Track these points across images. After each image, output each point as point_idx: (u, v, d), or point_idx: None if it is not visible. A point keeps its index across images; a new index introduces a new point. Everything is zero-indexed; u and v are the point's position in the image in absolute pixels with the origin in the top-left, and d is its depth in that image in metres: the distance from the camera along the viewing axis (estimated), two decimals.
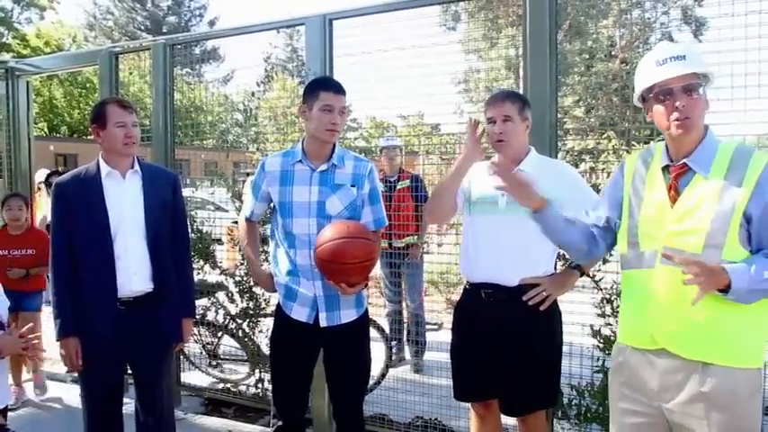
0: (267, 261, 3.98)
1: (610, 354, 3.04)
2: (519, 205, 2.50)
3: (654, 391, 1.93)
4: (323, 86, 2.65)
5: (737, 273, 1.73)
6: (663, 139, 2.03)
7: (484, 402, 2.72)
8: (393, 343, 4.81)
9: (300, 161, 2.69)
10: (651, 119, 1.98)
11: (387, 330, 4.78)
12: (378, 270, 5.88)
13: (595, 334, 3.11)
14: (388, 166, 5.39)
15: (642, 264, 1.95)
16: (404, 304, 5.28)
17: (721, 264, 1.75)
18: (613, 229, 2.15)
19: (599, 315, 3.12)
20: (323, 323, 2.65)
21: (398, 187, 5.23)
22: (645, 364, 1.95)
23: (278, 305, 2.78)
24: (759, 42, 2.58)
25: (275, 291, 2.86)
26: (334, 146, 2.72)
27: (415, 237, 5.18)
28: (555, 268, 2.78)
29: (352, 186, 2.69)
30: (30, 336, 2.44)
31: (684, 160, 1.89)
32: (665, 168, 1.95)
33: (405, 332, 5.30)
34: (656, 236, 1.90)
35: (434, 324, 6.20)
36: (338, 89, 2.65)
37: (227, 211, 5.47)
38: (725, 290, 1.73)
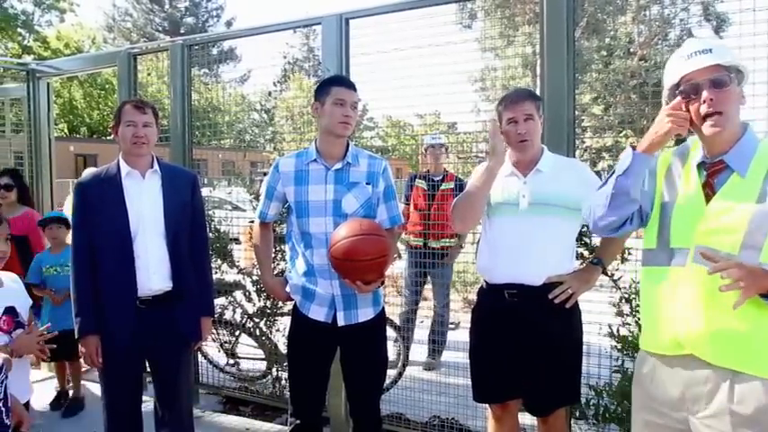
0: (284, 260, 4.00)
1: (628, 354, 3.03)
2: (539, 204, 2.52)
3: (679, 401, 1.83)
4: (335, 82, 2.69)
5: None
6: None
7: (502, 403, 2.70)
8: (400, 344, 4.76)
9: (315, 160, 2.70)
10: None
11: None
12: (396, 269, 5.88)
13: (613, 334, 3.08)
14: (432, 165, 5.28)
15: (670, 261, 1.86)
16: (420, 305, 5.25)
17: (761, 266, 1.66)
18: (639, 217, 2.03)
19: (617, 314, 3.10)
20: (341, 322, 2.65)
21: (442, 188, 5.13)
22: (670, 373, 1.85)
23: (295, 305, 2.79)
24: None
25: (287, 299, 2.88)
26: (348, 145, 2.73)
27: (453, 240, 5.11)
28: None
29: (367, 184, 2.70)
30: (45, 335, 2.48)
31: (721, 157, 1.81)
32: (701, 165, 1.87)
33: (413, 333, 5.24)
34: (689, 234, 1.81)
35: (451, 323, 6.19)
36: (349, 84, 2.70)
37: (244, 210, 5.50)
38: (766, 294, 1.64)
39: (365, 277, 2.53)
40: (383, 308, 2.81)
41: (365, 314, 2.70)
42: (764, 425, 1.67)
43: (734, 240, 1.72)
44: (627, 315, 3.08)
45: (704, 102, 1.77)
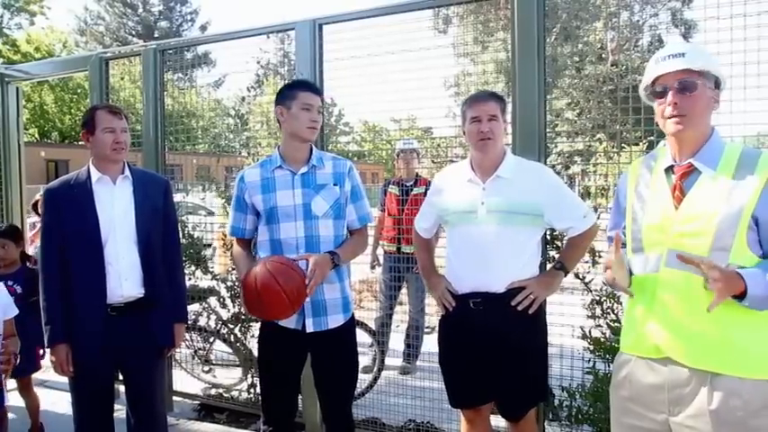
0: None
1: (600, 355, 3.06)
2: (498, 212, 2.50)
3: (660, 402, 1.84)
4: (300, 87, 2.70)
5: (753, 278, 1.66)
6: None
7: (474, 408, 2.71)
8: (375, 348, 4.76)
9: (280, 166, 2.69)
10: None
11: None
12: (372, 274, 5.89)
13: (585, 336, 3.12)
14: (404, 170, 5.26)
15: (646, 268, 1.89)
16: (395, 309, 5.26)
17: (731, 267, 1.69)
18: None
19: (589, 317, 3.13)
20: (309, 329, 2.64)
21: (414, 192, 5.13)
22: (650, 374, 1.87)
23: None
24: (744, 45, 2.61)
25: None
26: (312, 148, 2.74)
27: None
28: (542, 270, 2.78)
29: (334, 185, 2.70)
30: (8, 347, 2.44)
31: (690, 160, 1.83)
32: (669, 169, 1.89)
33: (388, 337, 5.24)
34: (661, 239, 1.84)
35: (427, 327, 6.21)
36: (315, 89, 2.72)
37: (219, 215, 5.47)
38: (739, 296, 1.67)
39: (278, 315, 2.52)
40: (353, 314, 2.80)
41: (335, 321, 2.68)
42: (744, 424, 1.70)
43: (704, 243, 1.75)
44: (598, 317, 3.12)
45: (669, 104, 1.82)
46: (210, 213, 5.87)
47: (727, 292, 1.66)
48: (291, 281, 2.41)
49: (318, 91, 2.72)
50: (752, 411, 1.69)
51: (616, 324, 3.05)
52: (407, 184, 5.21)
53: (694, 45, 1.90)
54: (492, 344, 2.54)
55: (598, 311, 3.12)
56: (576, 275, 3.09)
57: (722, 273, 1.64)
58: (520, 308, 2.52)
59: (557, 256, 3.15)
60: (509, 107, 2.95)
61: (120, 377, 2.89)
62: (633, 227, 1.97)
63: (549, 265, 2.90)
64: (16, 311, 2.70)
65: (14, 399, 4.30)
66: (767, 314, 1.73)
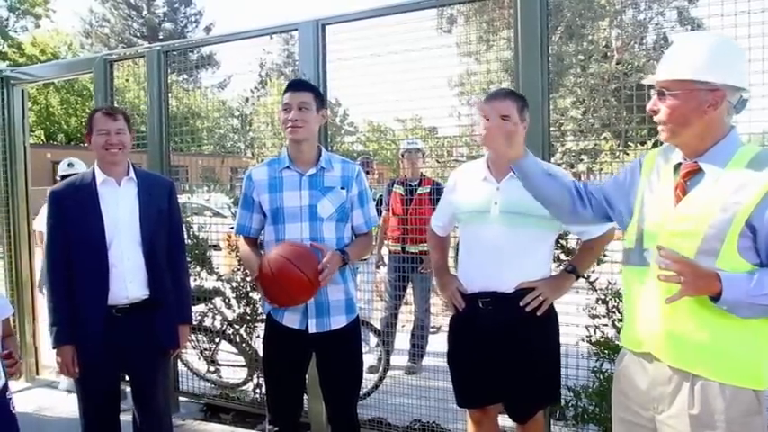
0: None
1: (605, 355, 3.05)
2: (511, 213, 2.47)
3: (647, 399, 1.85)
4: (286, 89, 2.71)
5: (733, 282, 1.62)
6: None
7: (481, 408, 2.69)
8: (381, 348, 4.76)
9: (288, 167, 2.70)
10: None
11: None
12: (378, 274, 5.88)
13: (590, 335, 3.11)
14: (409, 170, 5.26)
15: (641, 261, 1.87)
16: (401, 309, 5.26)
17: (713, 269, 1.65)
18: (603, 206, 2.09)
19: (593, 316, 3.12)
20: (312, 329, 2.64)
21: (419, 192, 5.13)
22: (639, 369, 1.88)
23: (269, 312, 2.78)
24: (749, 42, 2.59)
25: None
26: (321, 150, 2.74)
27: None
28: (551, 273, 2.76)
29: (341, 188, 2.70)
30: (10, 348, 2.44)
31: (696, 159, 1.78)
32: (677, 166, 1.86)
33: (394, 337, 5.24)
34: (656, 234, 1.81)
35: (433, 327, 6.20)
36: (296, 87, 2.69)
37: (224, 216, 5.48)
38: (716, 298, 1.64)
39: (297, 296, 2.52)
40: (357, 315, 2.80)
41: (338, 322, 2.68)
42: (723, 427, 1.68)
43: (691, 245, 1.71)
44: (603, 317, 3.11)
45: (649, 111, 1.84)
46: (217, 214, 5.87)
47: (694, 289, 1.64)
48: (307, 261, 2.45)
49: (300, 87, 2.69)
50: (732, 418, 1.68)
51: (621, 323, 3.03)
52: (412, 184, 5.20)
53: (690, 49, 1.76)
54: (500, 344, 2.52)
55: (602, 311, 3.11)
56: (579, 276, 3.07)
57: (688, 269, 1.63)
58: (528, 309, 2.49)
59: (561, 254, 3.14)
60: None
61: (127, 378, 2.89)
62: (638, 217, 1.94)
63: (554, 264, 2.89)
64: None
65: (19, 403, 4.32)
66: (754, 321, 1.68)
